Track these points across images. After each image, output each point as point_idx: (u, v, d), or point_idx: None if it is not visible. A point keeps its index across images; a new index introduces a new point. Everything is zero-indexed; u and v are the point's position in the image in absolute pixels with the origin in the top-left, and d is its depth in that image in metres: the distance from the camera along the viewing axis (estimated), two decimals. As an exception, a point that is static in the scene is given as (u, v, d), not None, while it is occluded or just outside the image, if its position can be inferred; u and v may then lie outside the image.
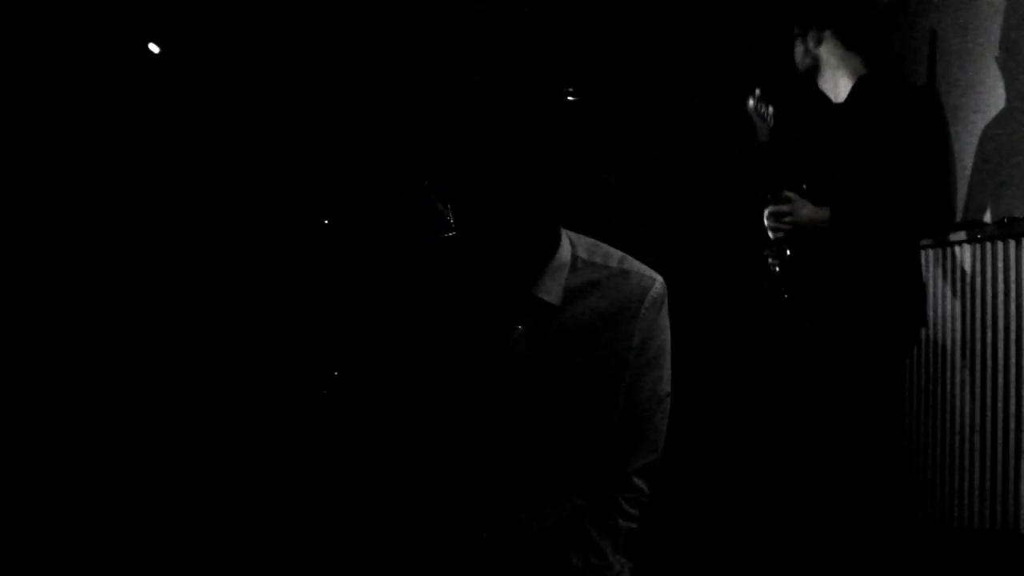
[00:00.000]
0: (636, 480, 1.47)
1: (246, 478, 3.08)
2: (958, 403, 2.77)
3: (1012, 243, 2.54)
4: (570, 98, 1.32)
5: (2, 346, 3.05)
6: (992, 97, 2.80)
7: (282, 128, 3.88)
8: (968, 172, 2.86)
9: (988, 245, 2.63)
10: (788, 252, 2.67)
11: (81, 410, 3.15)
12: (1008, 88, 2.74)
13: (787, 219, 2.59)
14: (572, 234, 1.46)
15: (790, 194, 2.60)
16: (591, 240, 1.48)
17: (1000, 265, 2.59)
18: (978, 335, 2.67)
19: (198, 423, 3.32)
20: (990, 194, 2.77)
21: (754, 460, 3.28)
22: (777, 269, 2.69)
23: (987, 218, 2.73)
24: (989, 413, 2.61)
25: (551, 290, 1.39)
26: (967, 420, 2.72)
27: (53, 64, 3.29)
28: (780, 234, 2.63)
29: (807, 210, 2.57)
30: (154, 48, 3.31)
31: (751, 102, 2.75)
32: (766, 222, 2.65)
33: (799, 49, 2.72)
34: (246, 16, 3.74)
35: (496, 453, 1.40)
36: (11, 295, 3.10)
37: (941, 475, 2.84)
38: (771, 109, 2.72)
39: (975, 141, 2.85)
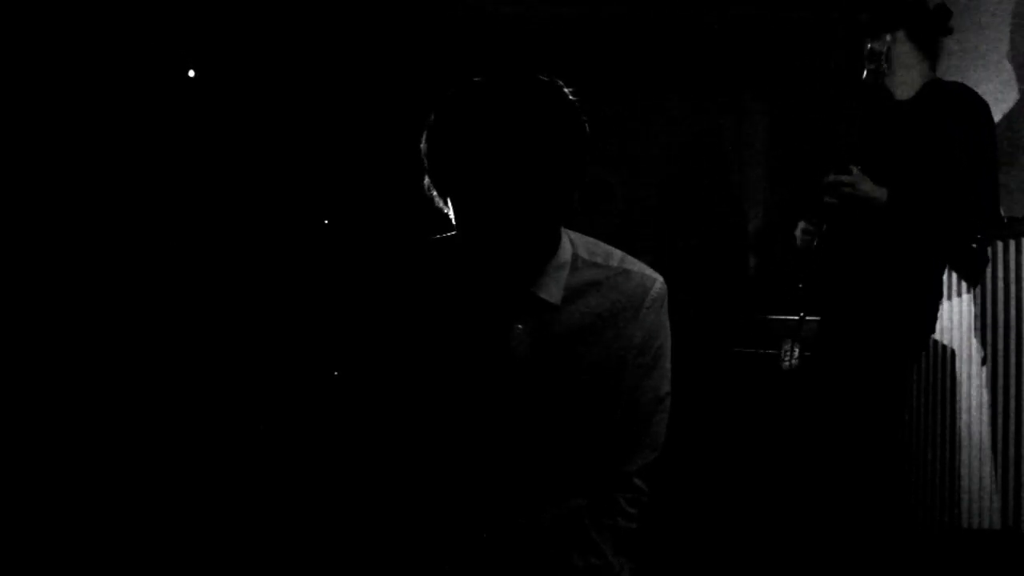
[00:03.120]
0: (636, 480, 1.47)
1: (247, 478, 3.08)
2: (960, 402, 2.77)
3: (1012, 243, 2.54)
4: (571, 98, 1.31)
5: (2, 346, 3.05)
6: (993, 97, 2.80)
7: (282, 128, 3.88)
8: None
9: (988, 245, 2.63)
10: (825, 226, 2.64)
11: (79, 409, 3.15)
12: (1008, 88, 2.74)
13: (846, 189, 2.55)
14: (572, 233, 1.46)
15: (855, 167, 2.56)
16: (591, 240, 1.47)
17: (1000, 264, 2.59)
18: (978, 333, 2.67)
19: (199, 423, 3.32)
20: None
21: (754, 460, 3.28)
22: (815, 243, 2.66)
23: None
24: (988, 411, 2.61)
25: (551, 289, 1.39)
26: (969, 419, 2.72)
27: (53, 64, 3.28)
28: (833, 202, 2.59)
29: (867, 185, 2.53)
30: (191, 73, 3.32)
31: (878, 45, 2.66)
32: (824, 189, 2.60)
33: (869, 47, 2.69)
34: (246, 16, 3.74)
35: (496, 453, 1.40)
36: (11, 295, 3.10)
37: (943, 475, 2.84)
38: (886, 67, 2.65)
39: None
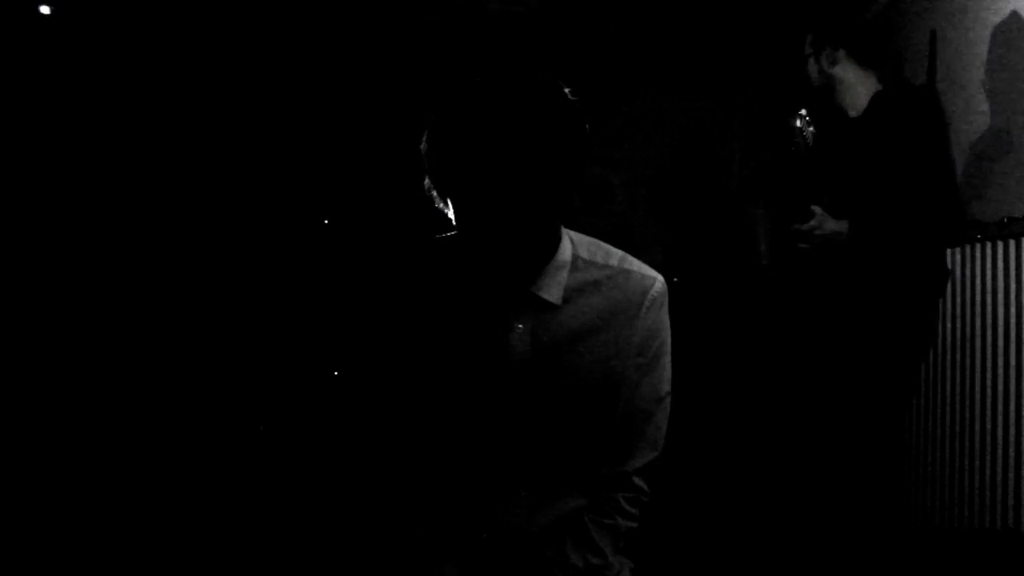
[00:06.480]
0: (636, 479, 1.46)
1: (247, 478, 3.08)
2: (958, 402, 2.77)
3: (1012, 243, 2.54)
4: (570, 97, 1.31)
5: (2, 346, 3.06)
6: (993, 96, 2.80)
7: (282, 128, 3.88)
8: (968, 171, 2.87)
9: (988, 245, 2.63)
10: (808, 264, 2.72)
11: (79, 409, 3.15)
12: (1008, 87, 2.74)
13: (815, 233, 2.61)
14: (573, 233, 1.46)
15: (816, 208, 2.62)
16: (592, 239, 1.47)
17: (1000, 265, 2.59)
18: (978, 334, 2.67)
19: (199, 422, 3.32)
20: (990, 194, 2.77)
21: (754, 460, 3.28)
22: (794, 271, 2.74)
23: (987, 218, 2.73)
24: (989, 412, 2.61)
25: (551, 289, 1.39)
26: (967, 419, 2.72)
27: (55, 65, 3.29)
28: (805, 247, 2.66)
29: (830, 223, 2.59)
30: (45, 10, 3.24)
31: (797, 121, 2.79)
32: (793, 237, 2.68)
33: (813, 68, 2.75)
34: (246, 16, 3.74)
35: (496, 452, 1.40)
36: (11, 296, 3.10)
37: (942, 475, 2.84)
38: (812, 130, 2.76)
39: (976, 140, 2.85)
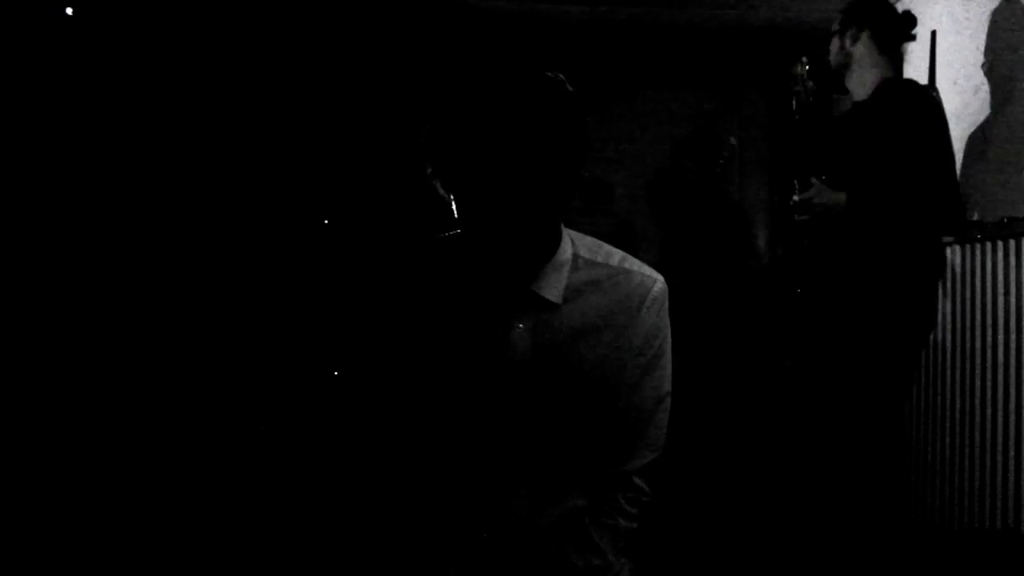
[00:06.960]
0: (636, 480, 1.46)
1: (247, 478, 3.08)
2: (958, 402, 2.77)
3: (1012, 243, 2.54)
4: (572, 94, 1.31)
5: (2, 346, 3.05)
6: (992, 96, 2.80)
7: (283, 128, 3.88)
8: (969, 171, 2.87)
9: (988, 245, 2.63)
10: (805, 241, 2.76)
11: (81, 410, 3.15)
12: (1008, 87, 2.74)
13: (813, 202, 2.64)
14: (573, 232, 1.46)
15: (814, 180, 2.66)
16: (592, 239, 1.47)
17: (1000, 265, 2.59)
18: (978, 334, 2.67)
19: (199, 423, 3.31)
20: (990, 193, 2.78)
21: (754, 460, 3.28)
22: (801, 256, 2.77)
23: (987, 218, 2.73)
24: (989, 412, 2.61)
25: (552, 288, 1.39)
26: (967, 419, 2.72)
27: (54, 64, 3.28)
28: (805, 218, 2.69)
29: (828, 194, 2.63)
30: (68, 11, 3.26)
31: (798, 68, 2.83)
32: (794, 209, 2.70)
33: (835, 44, 2.78)
34: (247, 16, 3.74)
35: (496, 451, 1.39)
36: (12, 296, 3.10)
37: (941, 474, 2.84)
38: (811, 84, 2.79)
39: (975, 140, 2.86)
